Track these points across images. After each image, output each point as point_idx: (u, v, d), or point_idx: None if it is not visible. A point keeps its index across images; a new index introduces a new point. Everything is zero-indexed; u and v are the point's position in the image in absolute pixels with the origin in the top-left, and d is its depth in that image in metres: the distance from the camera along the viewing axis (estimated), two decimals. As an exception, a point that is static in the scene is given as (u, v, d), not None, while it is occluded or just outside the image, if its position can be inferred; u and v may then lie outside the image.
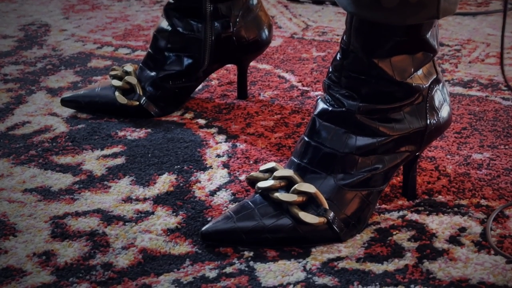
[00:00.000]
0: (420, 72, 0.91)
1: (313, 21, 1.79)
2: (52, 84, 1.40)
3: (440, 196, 0.99)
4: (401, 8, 0.83)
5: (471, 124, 1.20)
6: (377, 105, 0.90)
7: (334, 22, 1.78)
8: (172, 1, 1.25)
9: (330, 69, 0.93)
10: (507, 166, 1.07)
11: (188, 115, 1.26)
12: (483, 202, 0.98)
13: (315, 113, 0.93)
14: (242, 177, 1.05)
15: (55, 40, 1.65)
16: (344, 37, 0.90)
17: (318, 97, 0.95)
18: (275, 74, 1.44)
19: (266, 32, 1.28)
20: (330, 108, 0.92)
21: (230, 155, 1.12)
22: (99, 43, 1.64)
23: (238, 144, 1.16)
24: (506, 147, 1.12)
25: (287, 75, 1.44)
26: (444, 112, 0.95)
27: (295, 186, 0.89)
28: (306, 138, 0.93)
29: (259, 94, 1.35)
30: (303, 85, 1.39)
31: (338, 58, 0.92)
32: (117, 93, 1.24)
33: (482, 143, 1.14)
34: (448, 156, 1.10)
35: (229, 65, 1.46)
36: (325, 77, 0.94)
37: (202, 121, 1.24)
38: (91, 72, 1.47)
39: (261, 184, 0.91)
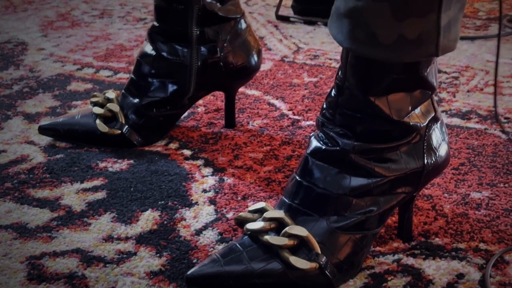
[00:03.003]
0: (417, 110, 0.92)
1: (305, 43, 1.80)
2: (29, 109, 1.40)
3: (437, 239, 1.00)
4: (398, 45, 0.84)
5: (469, 159, 1.21)
6: (373, 145, 0.91)
7: (326, 45, 1.79)
8: (157, 25, 1.25)
9: (324, 106, 0.94)
10: (507, 206, 1.07)
11: (173, 145, 1.26)
12: (482, 246, 0.98)
13: (307, 152, 0.94)
14: (230, 215, 1.05)
15: (33, 60, 1.65)
16: (339, 73, 0.91)
17: (311, 134, 0.95)
18: (264, 101, 1.45)
19: (255, 57, 1.29)
20: (323, 147, 0.92)
21: (217, 190, 1.12)
22: (79, 64, 1.64)
23: (225, 178, 1.16)
24: (506, 185, 1.13)
25: (277, 103, 1.44)
26: (442, 151, 0.96)
27: (286, 229, 0.89)
28: (298, 178, 0.93)
29: (248, 123, 1.35)
30: (293, 114, 1.39)
31: (332, 95, 0.92)
32: (98, 121, 1.24)
33: (480, 180, 1.15)
34: (446, 195, 1.11)
35: (216, 92, 1.46)
36: (319, 114, 0.95)
37: (187, 152, 1.24)
38: (70, 96, 1.47)
39: (251, 226, 0.91)
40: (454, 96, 1.47)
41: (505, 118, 1.37)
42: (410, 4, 0.82)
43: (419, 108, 0.92)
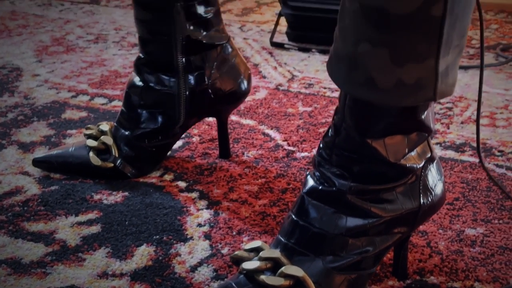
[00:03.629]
0: (414, 152, 0.92)
1: (299, 71, 1.81)
2: (24, 138, 1.39)
3: (432, 277, 1.00)
4: (397, 90, 0.85)
5: (463, 194, 1.22)
6: (369, 186, 0.91)
7: (320, 73, 1.79)
8: (142, 56, 1.25)
9: (321, 145, 0.94)
10: (501, 243, 1.08)
11: (167, 177, 1.26)
12: (477, 285, 0.98)
13: (304, 191, 0.94)
14: (225, 251, 1.05)
15: (27, 87, 1.65)
16: (337, 113, 0.91)
17: (307, 173, 0.96)
18: (259, 131, 1.45)
19: (244, 82, 1.28)
20: (320, 187, 0.92)
21: (212, 224, 1.12)
22: (74, 91, 1.64)
23: (220, 211, 1.16)
24: (500, 221, 1.14)
25: (272, 133, 1.44)
26: (438, 190, 0.96)
27: (282, 269, 0.89)
28: (294, 217, 0.93)
29: (243, 154, 1.35)
30: (288, 145, 1.39)
31: (329, 135, 0.92)
32: (91, 154, 1.24)
33: (475, 216, 1.15)
34: (440, 231, 1.11)
35: (211, 121, 1.47)
36: (316, 153, 0.95)
37: (182, 184, 1.24)
38: (65, 124, 1.46)
39: (246, 265, 0.91)
40: (448, 128, 1.48)
41: (499, 151, 1.37)
42: (408, 50, 0.83)
43: (415, 149, 0.92)
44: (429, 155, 0.94)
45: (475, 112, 1.55)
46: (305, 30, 2.00)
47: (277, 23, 2.02)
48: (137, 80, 1.25)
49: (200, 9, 1.22)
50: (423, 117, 0.89)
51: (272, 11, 2.36)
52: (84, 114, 1.52)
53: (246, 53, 1.93)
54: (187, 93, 1.23)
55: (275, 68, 1.83)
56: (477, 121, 1.16)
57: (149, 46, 1.23)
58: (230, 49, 1.27)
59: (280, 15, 2.02)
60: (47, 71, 1.76)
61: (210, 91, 1.24)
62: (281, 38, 2.05)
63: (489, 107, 1.59)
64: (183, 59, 1.22)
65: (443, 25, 0.82)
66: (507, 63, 1.85)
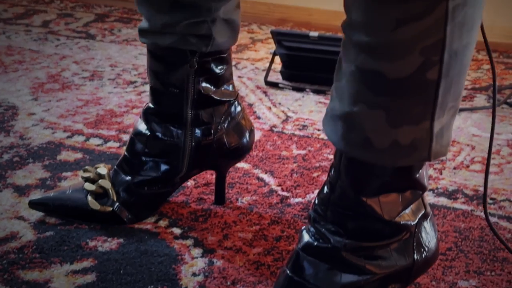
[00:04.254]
0: (408, 209, 0.93)
1: (293, 112, 1.82)
2: (19, 181, 1.40)
3: (425, 332, 1.00)
4: (392, 150, 0.86)
5: (456, 244, 1.22)
6: (364, 243, 0.92)
7: (314, 114, 1.81)
8: (152, 106, 1.27)
9: (316, 201, 0.95)
10: (494, 296, 1.08)
11: (162, 223, 1.27)
12: None
13: (299, 247, 0.94)
14: (219, 302, 1.06)
15: (23, 126, 1.66)
16: (332, 170, 0.92)
17: (303, 228, 0.96)
18: (253, 175, 1.46)
19: (248, 139, 1.30)
20: (315, 243, 0.93)
21: (206, 274, 1.13)
22: (70, 131, 1.64)
23: (215, 260, 1.16)
24: (493, 273, 1.14)
25: (266, 177, 1.45)
26: (432, 246, 0.97)
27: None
28: (288, 272, 0.94)
29: (237, 199, 1.36)
30: (282, 190, 1.40)
31: (325, 192, 0.93)
32: (89, 198, 1.24)
33: (467, 267, 1.16)
34: (433, 283, 1.11)
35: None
36: (311, 209, 0.96)
37: (177, 231, 1.24)
38: (60, 166, 1.47)
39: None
40: (441, 173, 1.49)
41: (491, 199, 1.38)
42: (404, 112, 0.84)
43: (410, 207, 0.93)
44: (423, 211, 0.95)
45: (468, 157, 1.57)
46: (299, 70, 2.01)
47: (271, 63, 2.04)
48: (143, 128, 1.26)
49: (214, 66, 1.24)
50: (417, 176, 0.91)
51: (266, 47, 2.38)
52: (79, 155, 1.52)
53: (241, 92, 1.94)
54: (193, 145, 1.25)
55: (270, 108, 1.84)
56: (486, 171, 1.15)
57: (160, 97, 1.25)
58: (238, 108, 1.29)
59: (274, 54, 2.04)
60: (43, 110, 1.76)
61: (215, 145, 1.26)
62: (275, 76, 2.07)
63: (481, 152, 1.60)
64: (192, 112, 1.24)
65: (438, 89, 0.83)
66: (499, 106, 1.86)
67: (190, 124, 1.25)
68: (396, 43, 0.80)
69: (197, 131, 1.26)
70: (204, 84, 1.24)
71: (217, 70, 1.25)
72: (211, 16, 1.19)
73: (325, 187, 0.93)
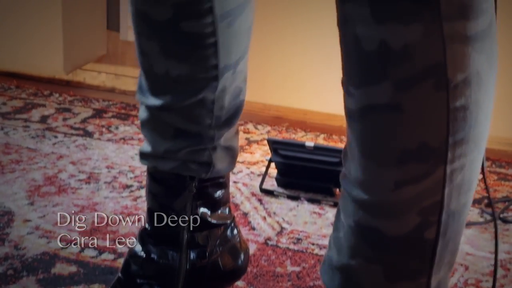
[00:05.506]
0: None
1: (288, 223, 1.83)
2: (13, 298, 1.40)
3: None
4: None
5: None
6: None
7: (309, 225, 1.81)
8: (149, 228, 1.28)
9: None
10: None
11: None
12: None
13: None
14: None
15: (18, 235, 1.66)
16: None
17: None
18: (248, 294, 1.46)
19: (243, 261, 1.32)
20: None
21: None
22: (65, 240, 1.65)
23: None
24: None
25: (261, 297, 1.45)
26: None
27: None
28: None
29: (231, 322, 1.36)
30: (276, 312, 1.40)
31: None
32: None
33: None
34: None
35: None
36: None
37: None
38: (54, 281, 1.46)
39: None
40: (435, 297, 1.49)
41: (485, 327, 1.38)
42: (401, 268, 0.85)
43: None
44: None
45: (461, 279, 1.57)
46: (295, 178, 2.03)
47: (267, 170, 2.06)
48: (139, 250, 1.28)
49: (212, 191, 1.26)
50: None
51: (262, 149, 2.40)
52: (74, 269, 1.52)
53: (236, 200, 1.95)
54: (188, 267, 1.26)
55: (264, 218, 1.85)
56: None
57: (157, 219, 1.26)
58: (234, 230, 1.31)
59: (270, 161, 2.06)
60: (39, 216, 1.77)
61: (209, 268, 1.27)
62: (271, 182, 2.08)
63: (475, 273, 1.60)
64: (188, 235, 1.25)
65: (436, 247, 0.85)
66: (492, 222, 1.86)
67: (186, 246, 1.26)
68: (395, 203, 0.82)
69: (192, 253, 1.27)
70: (202, 209, 1.26)
71: (215, 195, 1.27)
72: (212, 144, 1.22)
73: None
